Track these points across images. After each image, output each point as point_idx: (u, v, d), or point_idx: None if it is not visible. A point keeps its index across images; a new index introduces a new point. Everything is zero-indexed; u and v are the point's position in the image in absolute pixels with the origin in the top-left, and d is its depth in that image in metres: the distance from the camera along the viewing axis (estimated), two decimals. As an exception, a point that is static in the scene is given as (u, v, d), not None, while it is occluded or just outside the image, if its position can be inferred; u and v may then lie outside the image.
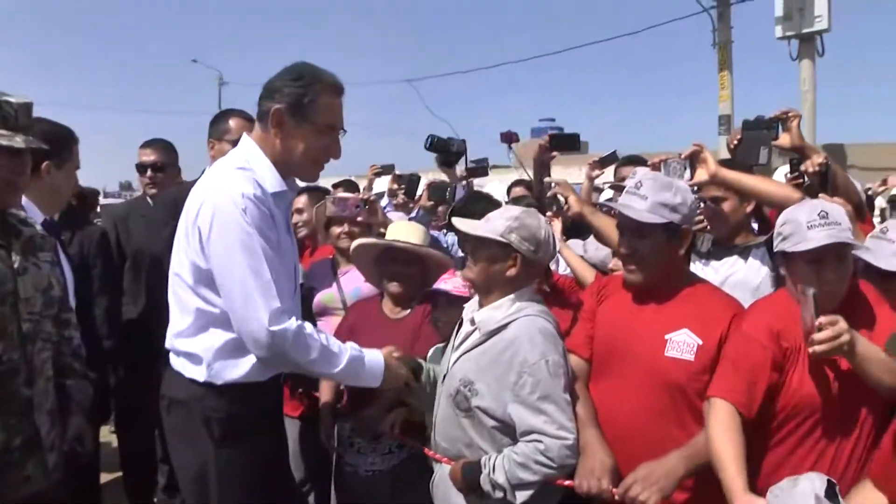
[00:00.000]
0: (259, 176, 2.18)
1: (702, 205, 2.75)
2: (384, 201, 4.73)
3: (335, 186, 4.63)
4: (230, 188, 2.10)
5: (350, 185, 4.67)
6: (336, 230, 3.47)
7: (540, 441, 2.14)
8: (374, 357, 2.31)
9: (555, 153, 3.56)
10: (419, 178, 4.64)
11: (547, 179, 3.28)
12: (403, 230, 3.05)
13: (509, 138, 4.93)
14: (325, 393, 2.96)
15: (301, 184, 2.56)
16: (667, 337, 2.25)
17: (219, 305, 2.15)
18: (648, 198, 2.27)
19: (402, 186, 4.64)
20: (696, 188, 2.64)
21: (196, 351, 2.20)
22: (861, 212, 2.79)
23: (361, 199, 3.42)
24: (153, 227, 3.31)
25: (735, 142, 2.97)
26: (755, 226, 3.00)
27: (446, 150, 4.46)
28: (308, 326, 2.18)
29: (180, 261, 2.22)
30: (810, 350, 1.96)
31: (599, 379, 2.41)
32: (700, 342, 2.21)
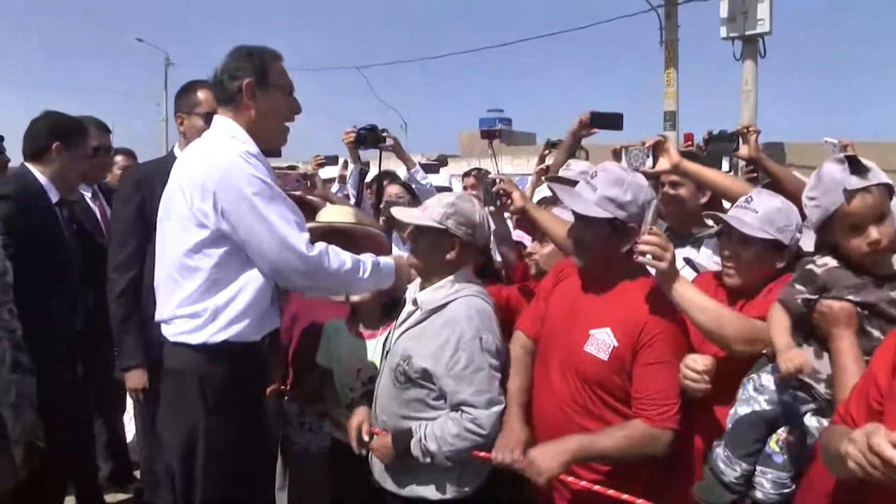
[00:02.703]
0: (245, 142, 2.32)
1: (661, 189, 2.83)
2: (335, 188, 4.76)
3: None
4: (233, 150, 2.25)
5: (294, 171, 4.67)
6: None
7: (470, 413, 2.26)
8: (386, 259, 2.51)
9: (595, 130, 3.50)
10: (368, 166, 4.67)
11: (491, 176, 3.27)
12: (336, 213, 3.04)
13: (491, 135, 5.16)
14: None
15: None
16: (591, 332, 2.27)
17: (219, 263, 2.24)
18: (597, 190, 2.26)
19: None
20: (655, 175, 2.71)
21: (193, 313, 2.26)
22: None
23: (302, 174, 3.46)
24: None
25: (701, 150, 3.10)
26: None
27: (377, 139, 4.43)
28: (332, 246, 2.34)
29: (174, 228, 2.29)
30: (636, 250, 2.11)
31: (538, 359, 2.44)
32: (616, 344, 2.22)
